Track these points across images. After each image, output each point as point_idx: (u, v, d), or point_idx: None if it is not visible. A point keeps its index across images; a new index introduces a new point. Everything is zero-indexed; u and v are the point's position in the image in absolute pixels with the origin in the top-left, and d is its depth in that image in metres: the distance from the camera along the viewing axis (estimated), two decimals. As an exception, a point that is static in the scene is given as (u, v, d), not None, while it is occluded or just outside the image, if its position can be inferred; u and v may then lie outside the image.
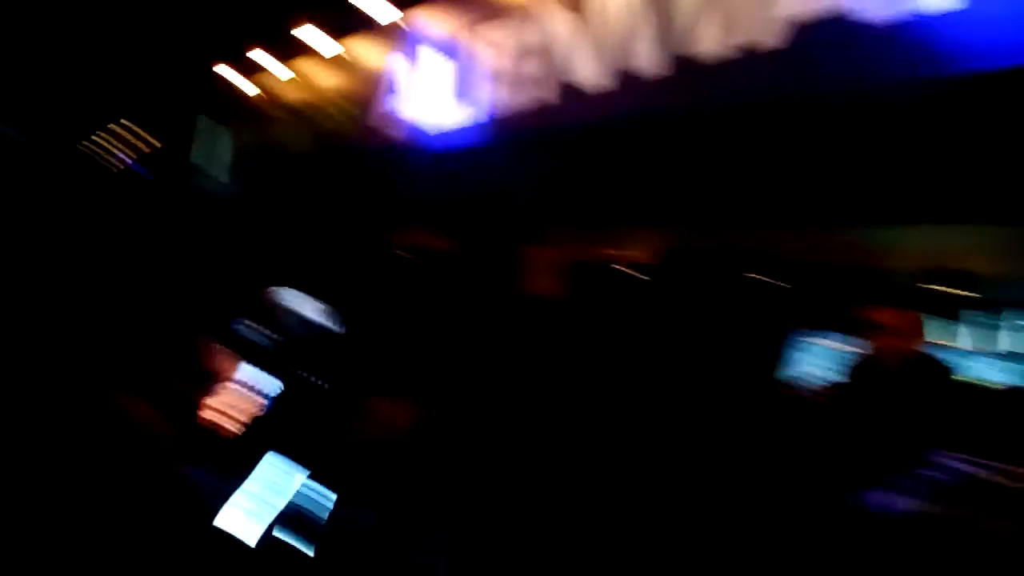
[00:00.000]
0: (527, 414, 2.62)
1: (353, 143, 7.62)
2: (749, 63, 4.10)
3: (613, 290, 5.76)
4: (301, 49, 8.78)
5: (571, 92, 5.01)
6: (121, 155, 15.62)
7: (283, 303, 5.12)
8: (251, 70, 10.13)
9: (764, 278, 3.49)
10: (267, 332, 4.87)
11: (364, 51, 7.71)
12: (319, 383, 4.04)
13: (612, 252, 4.97)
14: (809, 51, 3.86)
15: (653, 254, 4.72)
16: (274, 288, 5.44)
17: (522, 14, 5.50)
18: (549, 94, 5.19)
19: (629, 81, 4.65)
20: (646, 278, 4.81)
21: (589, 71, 4.90)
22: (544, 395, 2.59)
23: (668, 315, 4.16)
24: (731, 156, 4.50)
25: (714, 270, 4.07)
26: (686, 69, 4.33)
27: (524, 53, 5.44)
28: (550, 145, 5.24)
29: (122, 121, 15.48)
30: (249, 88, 10.26)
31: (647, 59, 4.54)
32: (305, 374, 4.12)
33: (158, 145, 14.14)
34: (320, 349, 4.62)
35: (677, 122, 4.45)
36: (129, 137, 15.19)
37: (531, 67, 5.36)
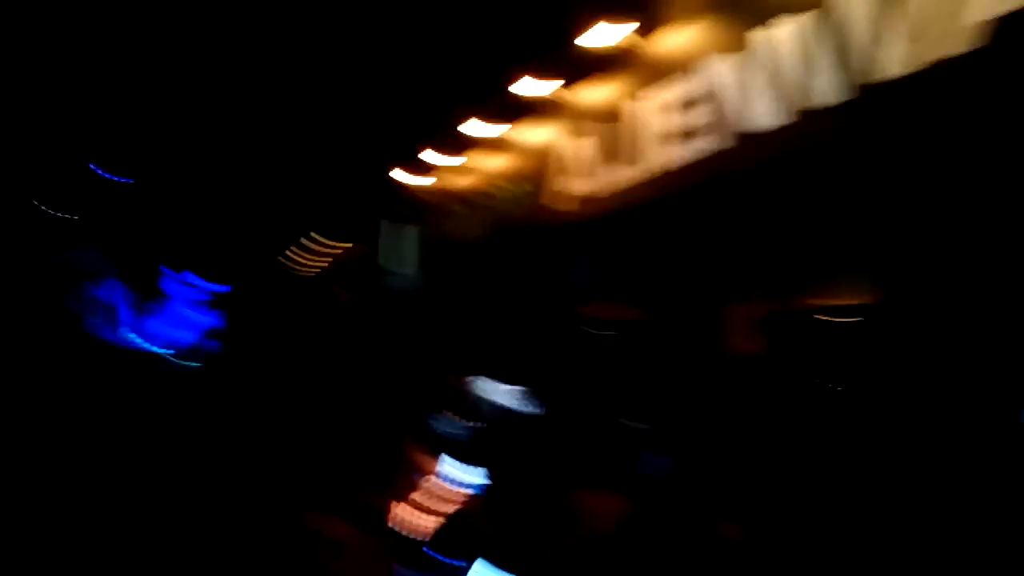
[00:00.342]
0: (745, 495, 2.36)
1: (530, 223, 7.65)
2: (941, 79, 3.74)
3: (818, 342, 5.37)
4: (469, 141, 9.03)
5: (746, 138, 4.77)
6: (314, 265, 16.54)
7: (478, 392, 5.07)
8: (424, 169, 10.50)
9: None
10: (465, 423, 4.82)
11: (528, 133, 7.79)
12: (523, 474, 3.93)
13: (814, 301, 4.63)
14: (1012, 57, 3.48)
15: (858, 299, 4.36)
16: (468, 378, 5.42)
17: (684, 68, 5.35)
18: (723, 143, 4.97)
19: (808, 116, 4.36)
20: (854, 326, 4.44)
21: (763, 112, 4.65)
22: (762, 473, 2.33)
23: (879, 364, 3.78)
24: (933, 183, 4.11)
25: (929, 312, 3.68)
26: (870, 94, 4.01)
27: (690, 106, 5.27)
28: (731, 196, 5.00)
29: (312, 234, 16.43)
30: (424, 186, 10.63)
31: (826, 90, 4.25)
32: (509, 466, 4.00)
33: (347, 252, 14.87)
34: (520, 436, 4.51)
35: (865, 153, 4.12)
36: (320, 248, 16.07)
37: (700, 119, 5.18)
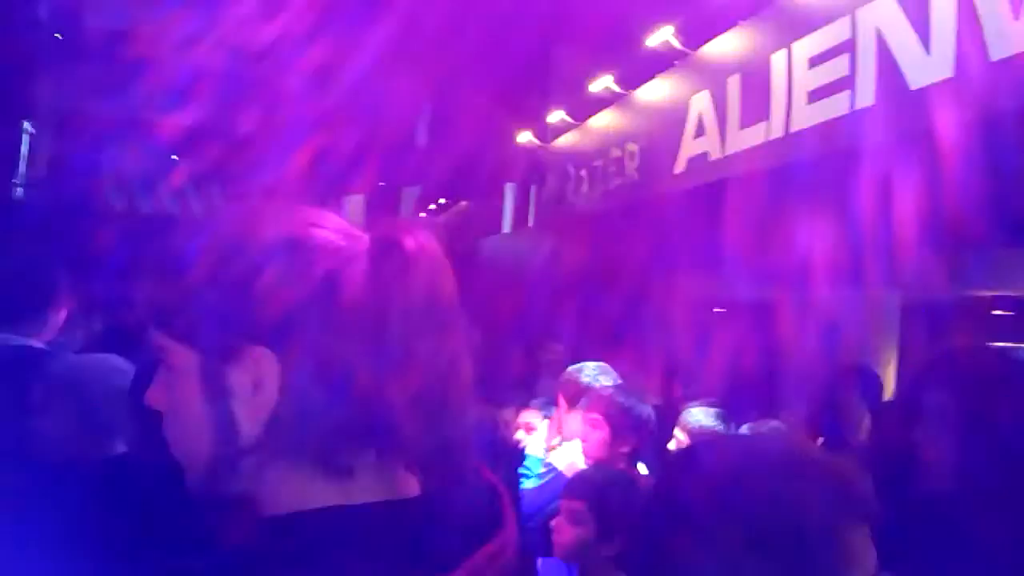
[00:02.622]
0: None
1: (651, 188, 7.05)
2: None
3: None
4: (599, 103, 8.49)
5: (905, 93, 4.03)
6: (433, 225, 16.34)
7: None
8: (547, 130, 10.03)
9: None
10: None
11: (660, 92, 7.17)
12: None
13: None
14: None
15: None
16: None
17: (839, 15, 4.62)
18: (878, 98, 4.25)
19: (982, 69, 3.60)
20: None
21: (929, 63, 3.91)
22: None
23: None
24: None
25: None
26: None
27: (843, 56, 4.55)
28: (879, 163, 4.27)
29: (440, 200, 16.21)
30: (547, 147, 10.16)
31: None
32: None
33: (467, 212, 14.54)
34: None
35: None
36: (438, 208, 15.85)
37: (853, 70, 4.46)
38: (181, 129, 11.05)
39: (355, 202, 14.45)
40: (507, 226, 11.65)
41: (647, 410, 3.27)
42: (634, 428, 3.21)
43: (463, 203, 14.19)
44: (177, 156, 13.37)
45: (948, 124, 3.76)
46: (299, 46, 10.35)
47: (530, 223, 10.81)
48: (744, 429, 3.85)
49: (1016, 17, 3.48)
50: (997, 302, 5.68)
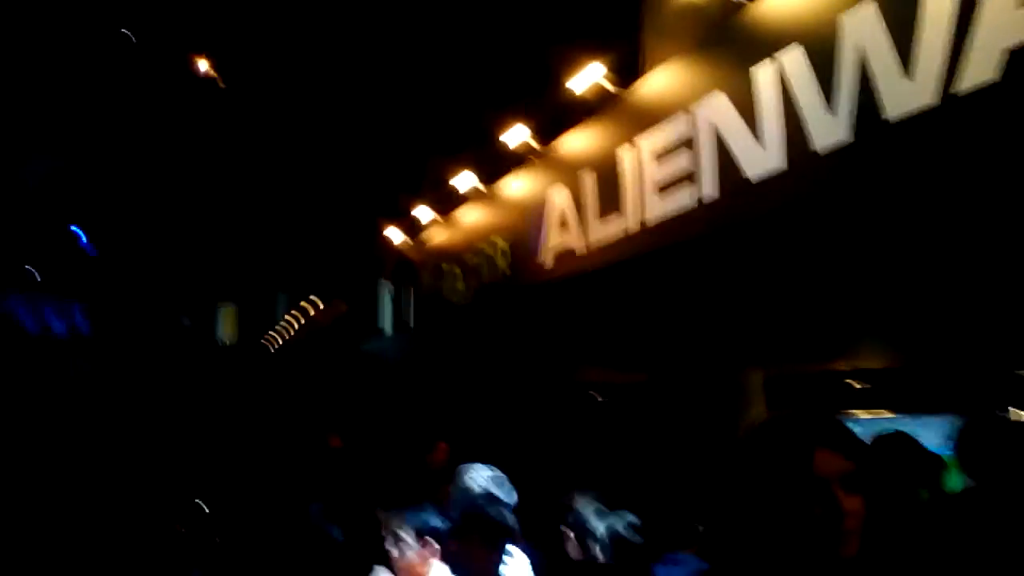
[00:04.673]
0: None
1: (522, 282, 7.15)
2: (966, 113, 3.25)
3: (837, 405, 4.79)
4: (459, 197, 8.59)
5: (745, 184, 4.26)
6: (309, 328, 16.07)
7: (467, 481, 4.40)
8: (415, 227, 10.07)
9: None
10: (453, 515, 4.17)
11: (518, 186, 7.33)
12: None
13: (818, 365, 4.11)
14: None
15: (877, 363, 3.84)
16: (460, 466, 4.76)
17: (680, 110, 4.87)
18: (722, 191, 4.47)
19: (811, 159, 3.86)
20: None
21: (763, 156, 4.16)
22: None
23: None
24: (963, 228, 3.62)
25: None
26: (888, 133, 3.52)
27: (685, 151, 4.78)
28: (735, 249, 4.48)
29: (311, 297, 15.99)
30: (414, 244, 10.19)
31: (838, 129, 3.75)
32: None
33: (327, 313, 14.38)
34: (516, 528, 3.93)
35: (885, 199, 3.60)
36: (315, 311, 15.62)
37: (696, 165, 4.69)
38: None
39: (228, 312, 14.11)
40: (387, 326, 11.54)
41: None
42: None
43: (341, 305, 14.02)
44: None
45: (782, 212, 4.01)
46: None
47: (410, 323, 10.75)
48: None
49: (830, 111, 3.76)
50: (851, 375, 5.97)
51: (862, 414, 5.32)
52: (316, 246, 13.36)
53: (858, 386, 5.72)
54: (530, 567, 3.77)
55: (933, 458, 3.49)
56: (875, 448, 3.34)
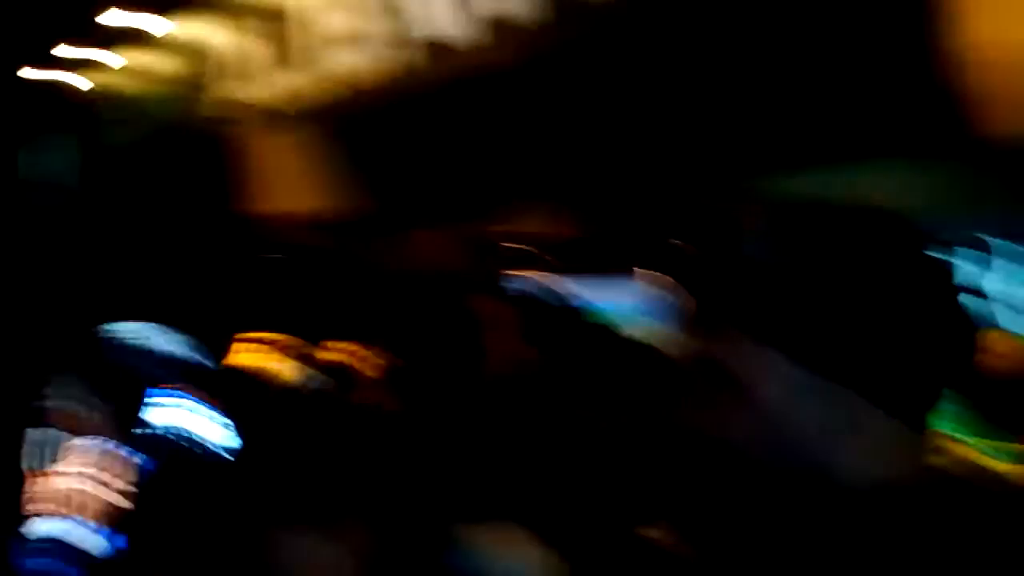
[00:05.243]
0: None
1: (195, 130, 6.79)
2: None
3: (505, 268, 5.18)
4: (112, 35, 7.83)
5: (431, 48, 4.34)
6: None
7: (124, 338, 4.23)
8: (63, 67, 9.05)
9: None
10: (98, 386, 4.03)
11: (185, 29, 6.82)
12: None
13: (510, 228, 4.40)
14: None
15: (561, 228, 4.18)
16: (116, 325, 4.54)
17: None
18: (404, 53, 4.51)
19: (503, 31, 4.00)
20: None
21: (450, 21, 4.23)
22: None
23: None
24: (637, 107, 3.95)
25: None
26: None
27: (367, 8, 4.72)
28: (417, 113, 4.58)
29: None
30: (78, 88, 9.21)
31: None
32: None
33: None
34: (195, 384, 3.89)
35: (567, 72, 3.84)
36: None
37: (378, 24, 4.66)
38: None
39: None
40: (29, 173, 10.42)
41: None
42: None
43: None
44: None
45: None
46: None
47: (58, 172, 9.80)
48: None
49: None
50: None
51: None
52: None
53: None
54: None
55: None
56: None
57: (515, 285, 2.91)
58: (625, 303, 3.84)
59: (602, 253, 3.79)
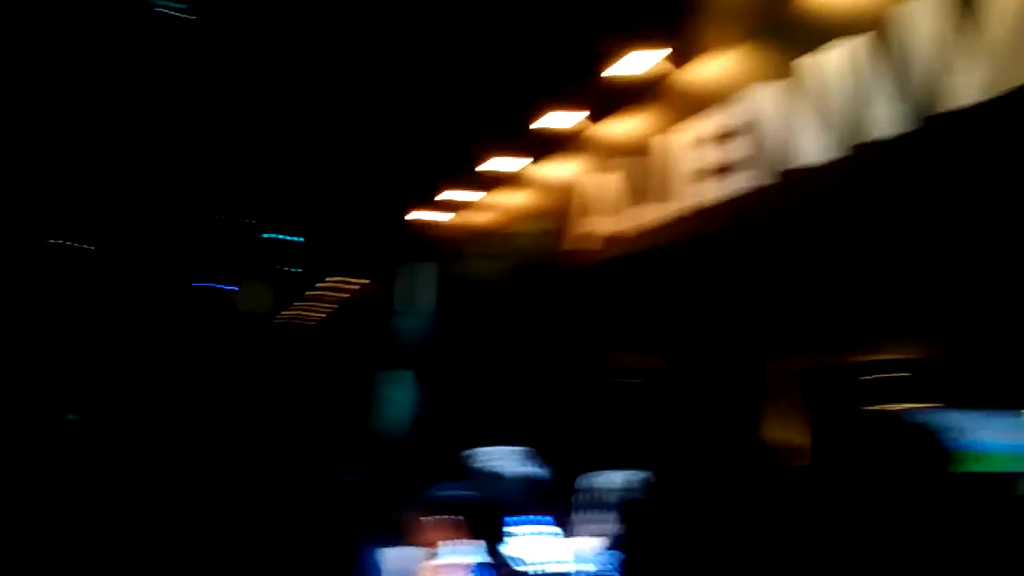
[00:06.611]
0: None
1: (552, 264, 7.18)
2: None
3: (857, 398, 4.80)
4: (489, 179, 8.61)
5: (790, 174, 4.28)
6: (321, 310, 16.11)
7: (487, 460, 4.47)
8: (443, 207, 10.09)
9: None
10: (474, 492, 4.20)
11: (552, 170, 7.35)
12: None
13: (858, 357, 4.13)
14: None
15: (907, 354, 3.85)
16: (478, 445, 4.81)
17: (722, 99, 4.89)
18: (763, 180, 4.49)
19: (863, 151, 3.87)
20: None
21: (810, 146, 4.17)
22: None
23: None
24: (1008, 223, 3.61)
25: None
26: (936, 125, 3.53)
27: (728, 139, 4.80)
28: (771, 239, 4.51)
29: (328, 279, 16.02)
30: (444, 224, 10.22)
31: (884, 121, 3.76)
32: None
33: (361, 290, 14.38)
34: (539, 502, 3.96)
35: (927, 192, 3.60)
36: (336, 293, 15.64)
37: (738, 153, 4.70)
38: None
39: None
40: (413, 306, 11.55)
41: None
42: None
43: (368, 282, 13.99)
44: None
45: (827, 201, 4.02)
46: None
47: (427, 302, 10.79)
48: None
49: (884, 102, 3.76)
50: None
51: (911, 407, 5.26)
52: (340, 228, 13.43)
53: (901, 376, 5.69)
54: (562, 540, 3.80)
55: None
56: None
57: (890, 419, 2.65)
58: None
59: (980, 381, 3.40)
